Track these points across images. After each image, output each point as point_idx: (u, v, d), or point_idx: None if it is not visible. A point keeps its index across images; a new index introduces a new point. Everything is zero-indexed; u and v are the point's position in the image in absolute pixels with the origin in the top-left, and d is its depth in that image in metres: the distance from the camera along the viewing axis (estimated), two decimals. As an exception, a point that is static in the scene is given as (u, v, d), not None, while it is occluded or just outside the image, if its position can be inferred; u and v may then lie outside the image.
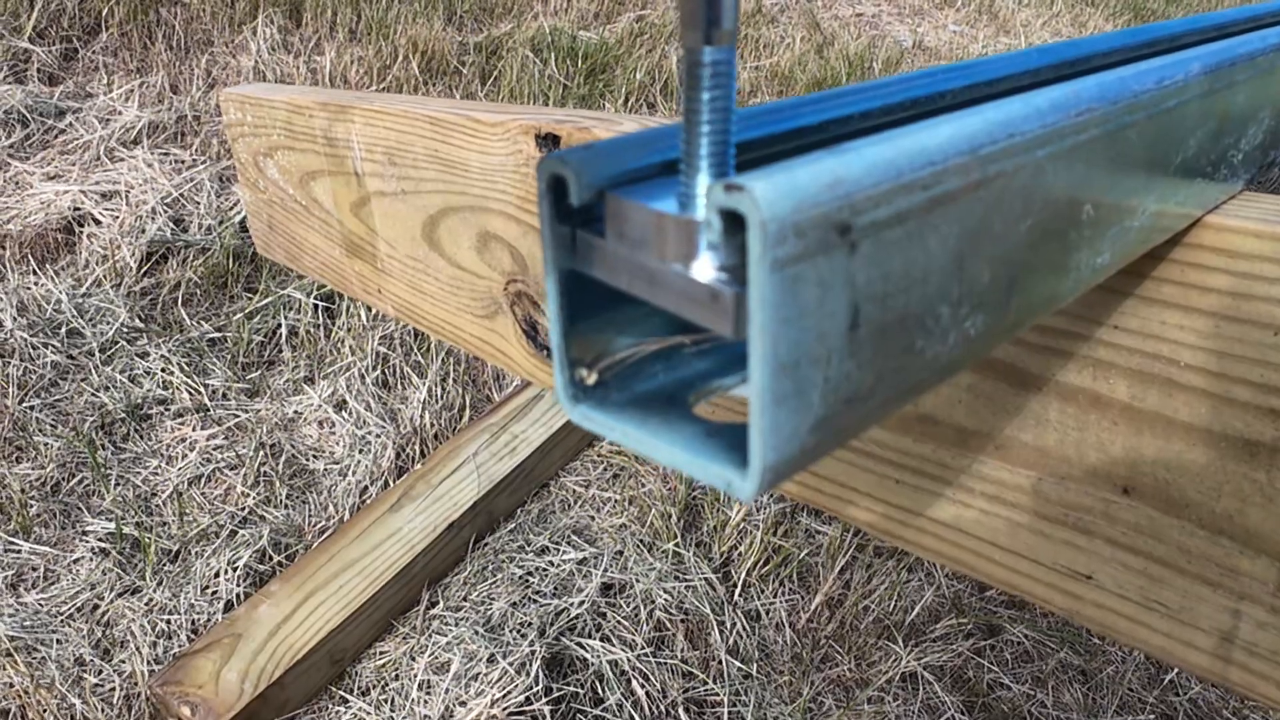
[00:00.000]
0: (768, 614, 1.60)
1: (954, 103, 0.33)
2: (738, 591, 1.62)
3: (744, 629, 1.57)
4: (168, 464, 1.75)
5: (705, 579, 1.61)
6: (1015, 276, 0.27)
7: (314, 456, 1.81)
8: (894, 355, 0.23)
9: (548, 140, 0.68)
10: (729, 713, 1.46)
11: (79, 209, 2.15)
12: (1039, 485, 0.48)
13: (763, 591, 1.63)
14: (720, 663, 1.52)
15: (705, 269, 0.21)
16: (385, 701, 1.43)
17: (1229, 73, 0.38)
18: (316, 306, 2.06)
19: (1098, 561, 0.47)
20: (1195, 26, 0.49)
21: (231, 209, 2.22)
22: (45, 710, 1.36)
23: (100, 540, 1.60)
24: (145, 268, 2.07)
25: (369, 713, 1.41)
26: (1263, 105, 0.43)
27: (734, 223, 0.19)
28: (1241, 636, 0.44)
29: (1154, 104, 0.32)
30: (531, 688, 1.42)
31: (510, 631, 1.50)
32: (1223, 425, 0.41)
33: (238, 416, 1.85)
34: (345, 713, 1.42)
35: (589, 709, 1.43)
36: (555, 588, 1.59)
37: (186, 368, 1.90)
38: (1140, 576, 0.46)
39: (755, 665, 1.52)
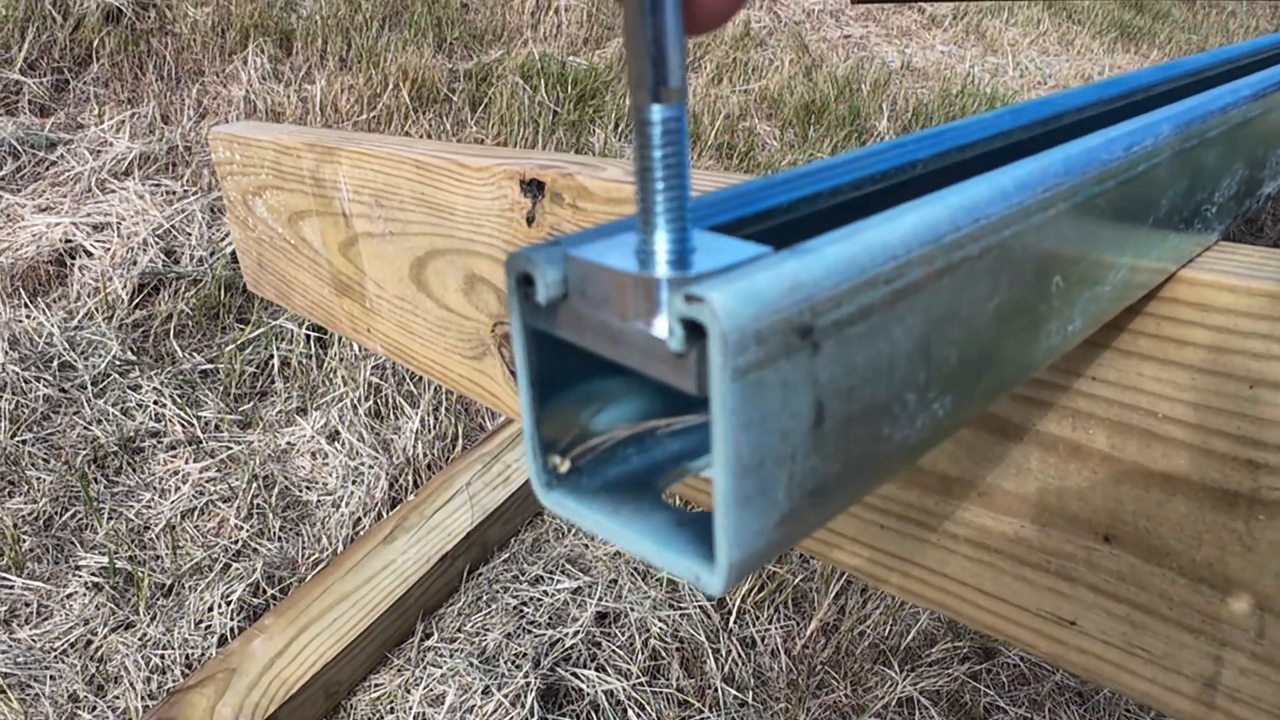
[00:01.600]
0: (763, 641, 1.60)
1: (924, 172, 0.33)
2: (733, 619, 1.62)
3: (739, 656, 1.56)
4: (160, 497, 1.75)
5: (700, 607, 1.61)
6: (984, 355, 0.27)
7: (307, 488, 1.81)
8: (861, 445, 0.23)
9: (532, 186, 0.69)
10: (725, 741, 1.45)
11: (70, 241, 2.15)
12: (1021, 532, 0.48)
13: (758, 618, 1.62)
14: (716, 690, 1.52)
15: (666, 326, 0.21)
16: (380, 735, 1.43)
17: (1200, 129, 0.39)
18: (308, 337, 2.06)
19: (1081, 608, 0.47)
20: (1169, 75, 0.50)
21: (223, 240, 2.22)
22: (38, 749, 1.35)
23: (93, 575, 1.60)
24: (137, 300, 2.08)
25: (364, 746, 1.41)
26: (1236, 157, 0.44)
27: (696, 330, 0.19)
28: (1224, 682, 0.44)
29: (1123, 171, 0.32)
30: (527, 719, 1.41)
31: (505, 662, 1.50)
32: (1201, 476, 0.42)
33: (230, 448, 1.85)
34: (340, 747, 1.42)
35: (585, 740, 1.43)
36: (550, 617, 1.59)
37: (179, 400, 1.90)
38: (1123, 623, 0.46)
39: (751, 693, 1.52)
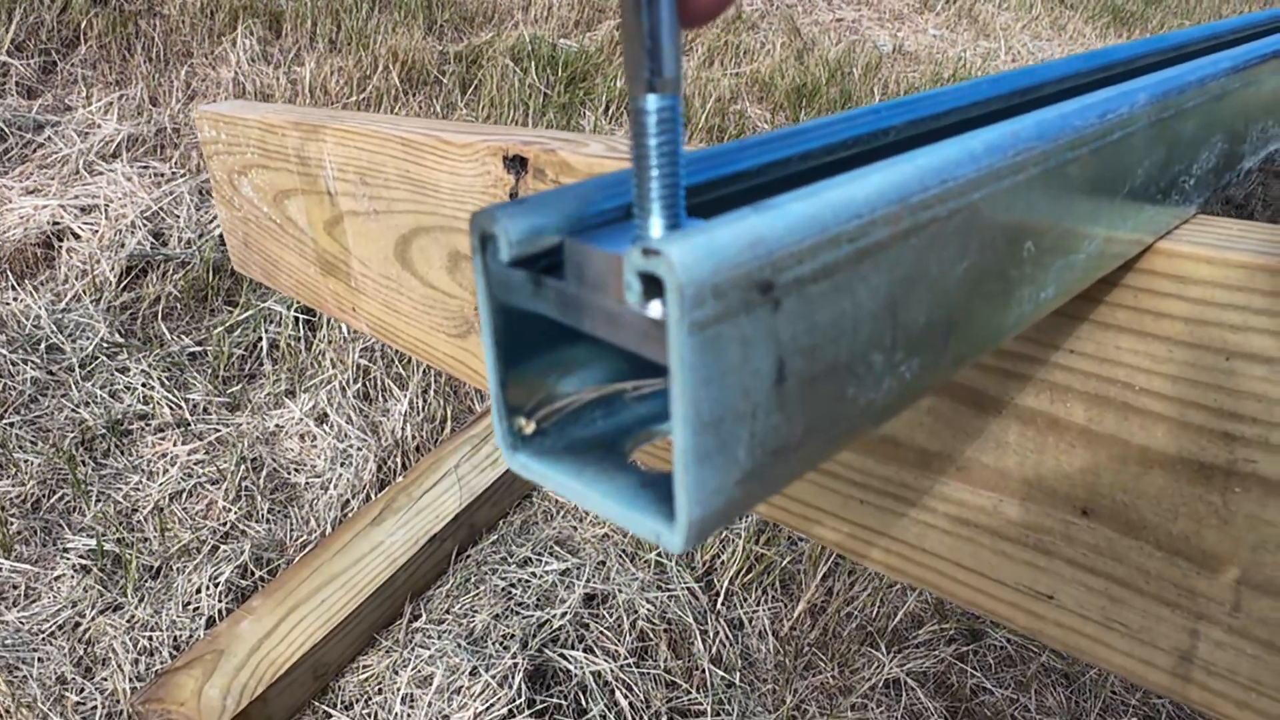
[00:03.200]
0: (750, 622, 1.60)
1: (897, 139, 0.33)
2: (720, 600, 1.62)
3: (727, 638, 1.57)
4: (149, 479, 1.74)
5: (688, 588, 1.62)
6: (953, 319, 0.27)
7: (295, 470, 1.80)
8: (824, 405, 0.23)
9: (515, 162, 0.68)
10: (713, 722, 1.46)
11: (58, 223, 2.14)
12: (1000, 506, 0.48)
13: (745, 600, 1.63)
14: (704, 672, 1.52)
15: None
16: (368, 716, 1.43)
17: (1178, 100, 0.39)
18: (297, 319, 2.05)
19: (1059, 582, 0.48)
20: (1153, 49, 0.50)
21: (211, 222, 2.21)
22: (26, 730, 1.35)
23: (81, 557, 1.59)
24: (125, 282, 2.07)
25: (352, 727, 1.41)
26: (1215, 130, 0.44)
27: (654, 284, 0.19)
28: (1200, 655, 0.44)
29: (1097, 138, 0.32)
30: (514, 700, 1.42)
31: (493, 644, 1.50)
32: (1178, 449, 0.42)
33: (219, 431, 1.84)
34: (328, 728, 1.42)
35: (573, 720, 1.43)
36: (538, 599, 1.59)
37: (167, 382, 1.90)
38: (1101, 597, 0.46)
39: (738, 674, 1.52)
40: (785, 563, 1.68)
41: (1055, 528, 0.47)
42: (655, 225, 0.22)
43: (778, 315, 0.20)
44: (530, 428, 0.26)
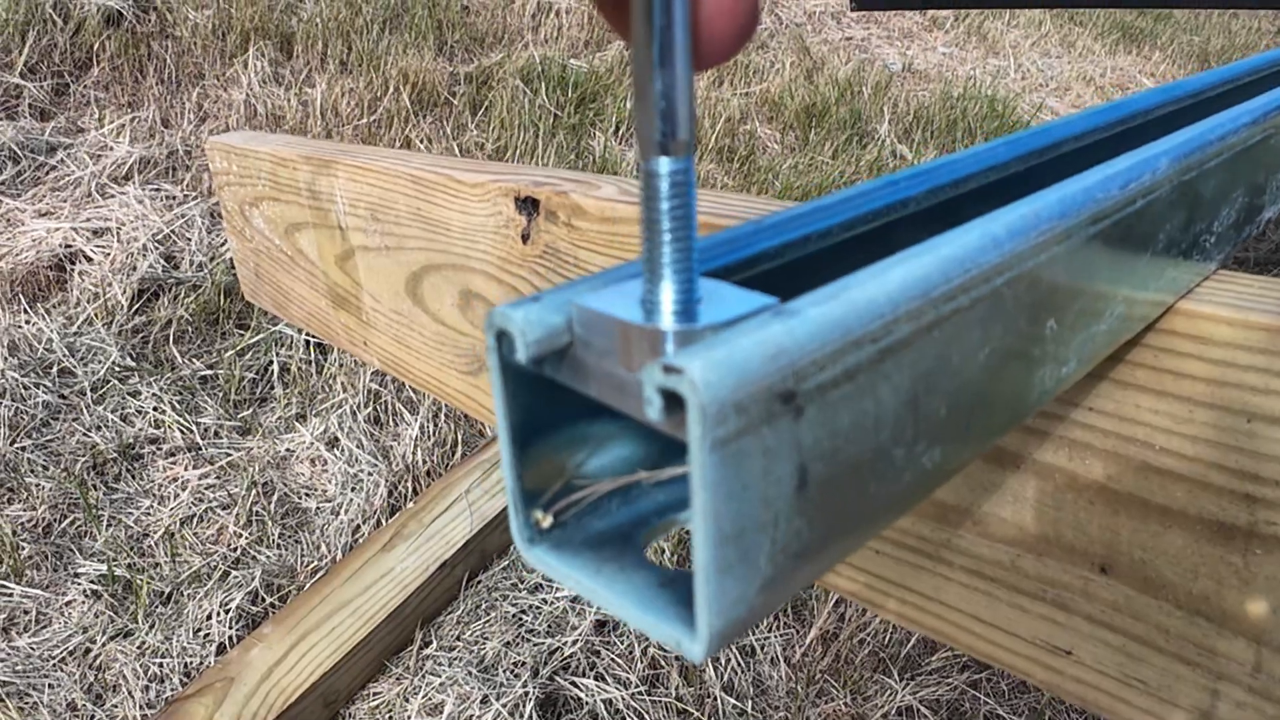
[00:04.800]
0: (762, 649, 1.59)
1: (916, 210, 0.33)
2: (732, 627, 1.61)
3: (739, 665, 1.56)
4: (160, 504, 1.75)
5: (699, 615, 1.61)
6: (974, 405, 0.26)
7: (306, 495, 1.80)
8: (846, 505, 0.22)
9: (527, 203, 0.68)
10: (724, 751, 1.45)
11: (70, 246, 2.15)
12: (1017, 561, 0.48)
13: (757, 627, 1.62)
14: (715, 699, 1.51)
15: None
16: (379, 744, 1.43)
17: (1199, 160, 0.38)
18: (308, 343, 2.06)
19: (1077, 638, 0.47)
20: (1169, 97, 0.49)
21: (223, 245, 2.22)
22: (36, 758, 1.35)
23: (92, 582, 1.59)
24: (136, 305, 2.07)
25: (362, 756, 1.41)
26: (1236, 185, 0.43)
27: (675, 399, 0.19)
28: (1220, 715, 0.44)
29: (1120, 209, 0.32)
30: (525, 729, 1.41)
31: (504, 671, 1.50)
32: (1198, 509, 0.41)
33: (230, 455, 1.85)
34: (338, 756, 1.42)
35: (583, 749, 1.43)
36: (549, 626, 1.58)
37: (178, 406, 1.90)
38: (1119, 654, 0.46)
39: (750, 701, 1.52)
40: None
41: (1073, 584, 0.46)
42: (666, 290, 0.22)
43: (800, 424, 0.20)
44: (548, 521, 0.25)
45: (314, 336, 2.06)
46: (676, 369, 0.18)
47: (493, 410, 0.78)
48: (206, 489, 1.78)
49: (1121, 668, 0.46)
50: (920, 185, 0.33)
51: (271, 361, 2.03)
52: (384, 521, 1.75)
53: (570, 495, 0.26)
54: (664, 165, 0.21)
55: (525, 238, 0.69)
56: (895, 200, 0.32)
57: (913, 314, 0.23)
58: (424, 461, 1.86)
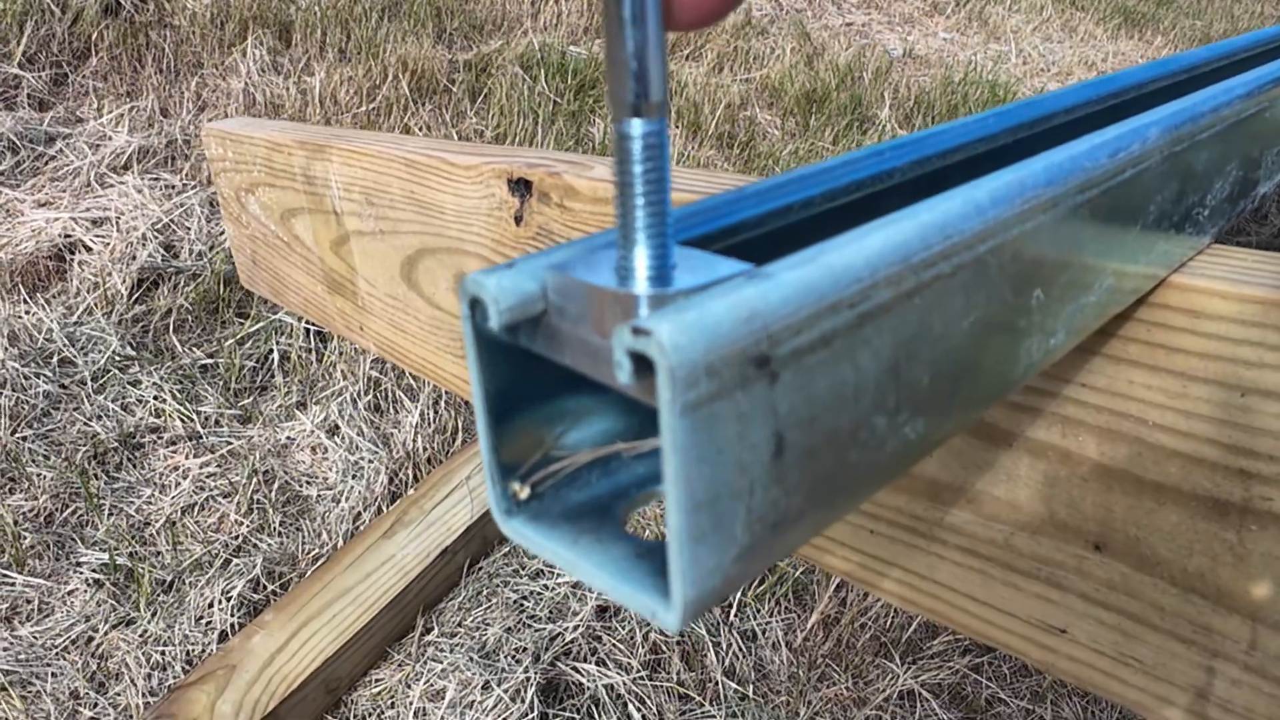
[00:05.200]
0: (764, 634, 1.59)
1: (902, 181, 0.32)
2: (733, 612, 1.61)
3: (740, 649, 1.56)
4: (161, 493, 1.75)
5: (700, 600, 1.61)
6: (958, 375, 0.26)
7: (307, 483, 1.80)
8: (825, 474, 0.22)
9: (520, 185, 0.68)
10: (726, 735, 1.45)
11: (70, 236, 2.14)
12: (1011, 539, 0.47)
13: (759, 611, 1.62)
14: (717, 684, 1.51)
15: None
16: (381, 730, 1.43)
17: (1191, 132, 0.38)
18: (308, 331, 2.05)
19: (1072, 616, 0.47)
20: (1163, 72, 0.49)
21: (222, 234, 2.21)
22: (39, 746, 1.35)
23: (94, 571, 1.59)
24: (136, 295, 2.07)
25: (364, 742, 1.41)
26: (1229, 159, 0.43)
27: (645, 363, 0.18)
28: (1216, 693, 0.44)
29: (1108, 178, 0.32)
30: (527, 714, 1.41)
31: (505, 657, 1.50)
32: (1192, 485, 0.41)
33: (230, 443, 1.85)
34: (340, 743, 1.42)
35: (585, 734, 1.43)
36: (550, 612, 1.58)
37: (179, 395, 1.90)
38: (1114, 632, 0.45)
39: (752, 686, 1.52)
40: (798, 574, 1.67)
41: (1067, 561, 0.46)
42: (640, 256, 0.21)
43: (775, 389, 0.20)
44: (525, 492, 0.25)
45: (312, 323, 2.06)
46: (645, 331, 0.18)
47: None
48: (207, 477, 1.78)
49: (1117, 646, 0.46)
50: (906, 156, 0.33)
51: (271, 350, 2.03)
52: (385, 509, 1.75)
53: (548, 467, 0.25)
54: (636, 127, 0.21)
55: (518, 219, 0.69)
56: (880, 170, 0.31)
57: (892, 279, 0.22)
58: (424, 448, 1.86)
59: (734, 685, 1.51)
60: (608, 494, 0.26)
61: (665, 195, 0.21)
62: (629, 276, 0.21)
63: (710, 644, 1.55)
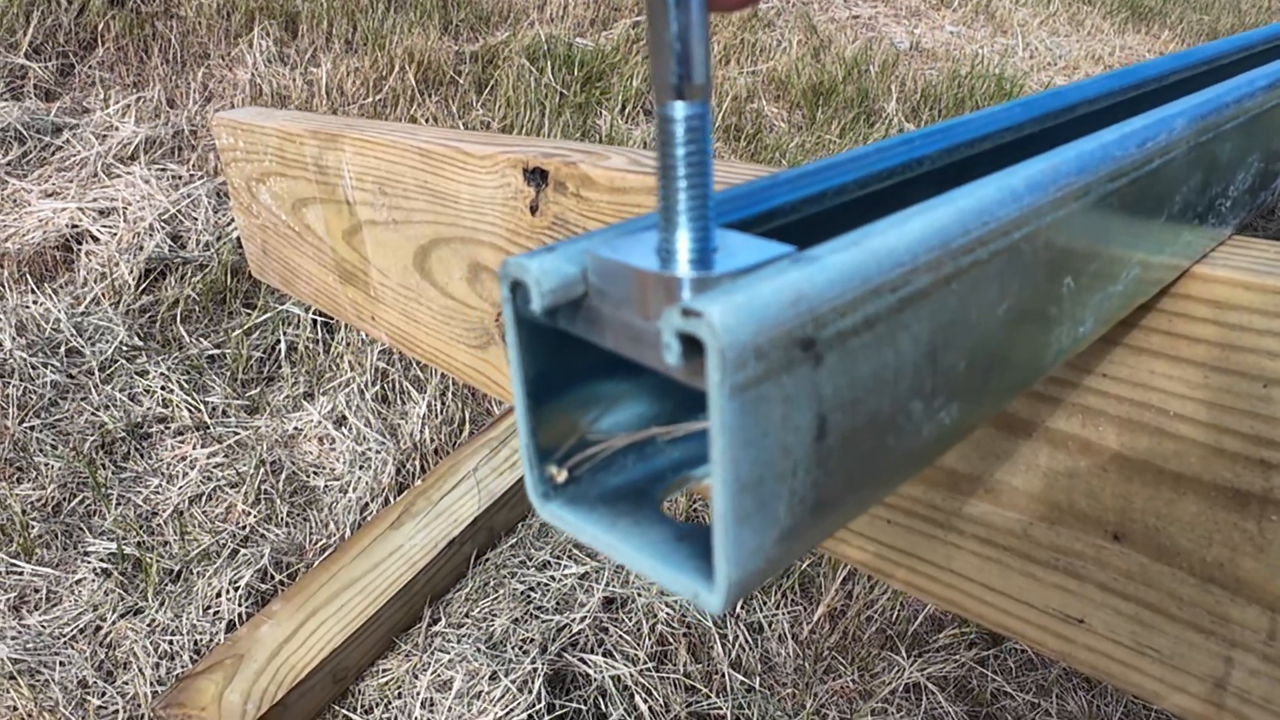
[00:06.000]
0: (770, 626, 1.60)
1: (931, 169, 0.32)
2: (740, 604, 1.62)
3: (747, 641, 1.56)
4: (168, 483, 1.75)
5: (707, 592, 1.61)
6: (992, 361, 0.26)
7: (314, 473, 1.81)
8: (864, 457, 0.22)
9: (535, 174, 0.68)
10: (732, 727, 1.45)
11: (77, 226, 2.15)
12: (1029, 529, 0.48)
13: (765, 604, 1.62)
14: (723, 676, 1.52)
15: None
16: (388, 720, 1.43)
17: (1215, 123, 0.38)
18: (315, 322, 2.06)
19: (1089, 606, 0.47)
20: (1183, 63, 0.49)
21: (229, 224, 2.22)
22: (48, 734, 1.36)
23: (102, 561, 1.60)
24: (144, 285, 2.07)
25: (372, 732, 1.41)
26: (1251, 150, 0.43)
27: (693, 344, 0.19)
28: (1234, 683, 0.44)
29: (1137, 167, 0.32)
30: (534, 705, 1.41)
31: (512, 648, 1.50)
32: (1212, 475, 0.41)
33: (238, 434, 1.85)
34: (348, 732, 1.42)
35: (592, 725, 1.43)
36: (557, 603, 1.59)
37: (186, 385, 1.90)
38: (1132, 622, 0.46)
39: (758, 678, 1.52)
40: (805, 566, 1.67)
41: (1086, 551, 0.46)
42: (682, 238, 0.21)
43: (819, 372, 0.20)
44: (562, 476, 0.25)
45: (322, 314, 2.06)
46: (696, 312, 0.18)
47: (501, 384, 0.78)
48: (215, 468, 1.78)
49: (1134, 636, 0.46)
50: (935, 144, 0.33)
51: (279, 340, 2.03)
52: (392, 499, 1.75)
53: (584, 451, 0.26)
54: (679, 110, 0.21)
55: (534, 209, 0.69)
56: (910, 159, 0.32)
57: (931, 264, 0.23)
58: (432, 439, 1.86)
59: (740, 677, 1.51)
60: (644, 478, 0.26)
61: (707, 178, 0.21)
62: (671, 259, 0.21)
63: (717, 636, 1.55)
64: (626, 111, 2.92)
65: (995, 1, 4.59)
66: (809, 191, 0.28)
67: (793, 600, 1.64)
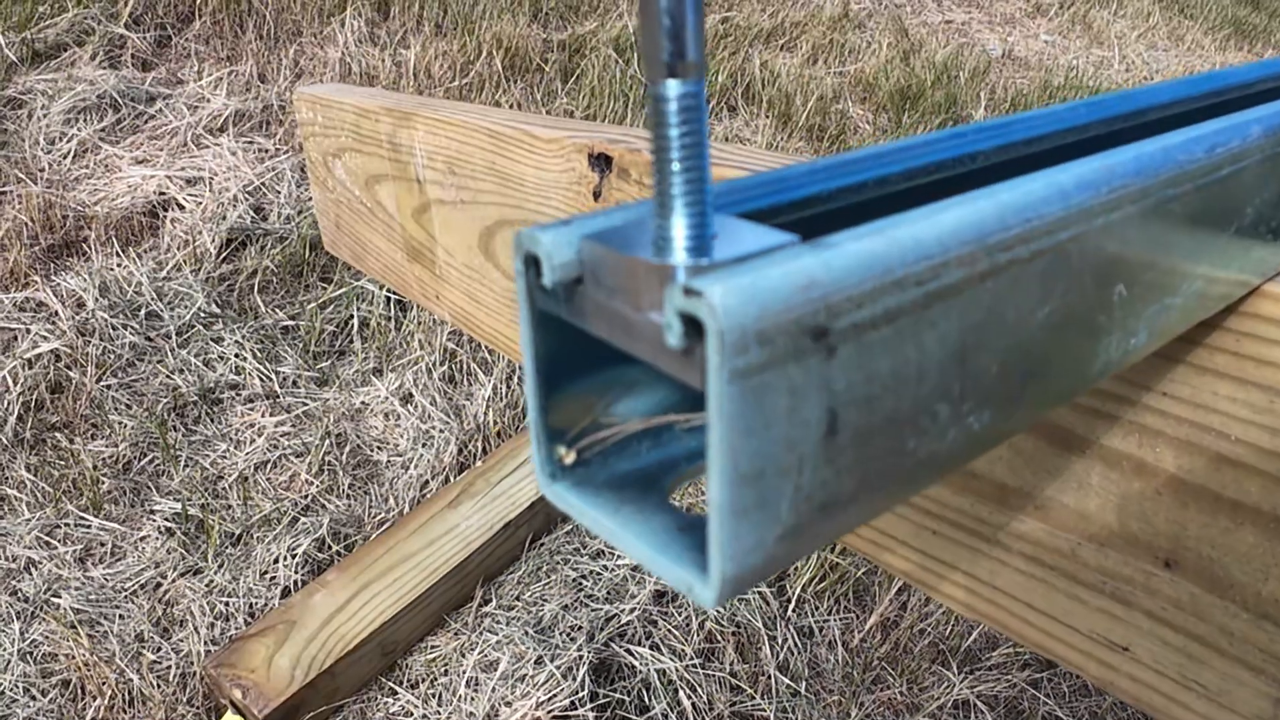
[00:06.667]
0: (820, 631, 1.58)
1: (985, 165, 0.31)
2: (791, 607, 1.60)
3: (795, 645, 1.55)
4: (236, 448, 1.78)
5: (759, 592, 1.60)
6: (1030, 368, 0.25)
7: (378, 448, 1.83)
8: (881, 458, 0.21)
9: (600, 160, 0.67)
10: (775, 730, 1.44)
11: (164, 194, 2.20)
12: (1078, 550, 0.46)
13: (817, 609, 1.60)
14: (769, 678, 1.50)
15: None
16: (433, 696, 1.44)
17: (1297, 133, 0.36)
18: (388, 299, 2.08)
19: (1136, 634, 0.45)
20: (1270, 72, 0.47)
21: (310, 200, 2.25)
22: (104, 684, 1.39)
23: (166, 520, 1.64)
24: (224, 254, 2.12)
25: (416, 706, 1.43)
26: (1336, 165, 0.40)
27: (696, 326, 0.18)
28: (1285, 725, 0.42)
29: (1203, 174, 0.30)
30: (577, 693, 1.42)
31: (560, 634, 1.50)
32: (1273, 505, 0.39)
33: (306, 405, 1.88)
34: (393, 704, 1.44)
35: (634, 716, 1.43)
36: (608, 592, 1.58)
37: (259, 354, 1.94)
38: (1179, 654, 0.44)
39: (805, 683, 1.50)
40: (860, 574, 1.65)
41: (1135, 577, 0.44)
42: (678, 225, 0.20)
43: (831, 364, 0.19)
44: (571, 457, 0.25)
45: (391, 291, 2.08)
46: (697, 292, 0.17)
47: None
48: (282, 436, 1.81)
49: (1180, 669, 0.44)
50: (991, 140, 0.31)
51: (352, 315, 2.06)
52: (452, 479, 1.77)
53: (596, 434, 0.25)
54: (672, 89, 0.20)
55: (597, 195, 0.69)
56: (962, 153, 0.30)
57: (964, 259, 0.21)
58: (495, 422, 1.87)
59: (787, 681, 1.50)
60: (656, 466, 0.25)
61: (703, 162, 0.20)
62: (666, 247, 0.21)
63: (766, 637, 1.54)
64: (711, 108, 2.91)
65: (1093, 12, 4.48)
66: (849, 181, 0.27)
67: (845, 607, 1.62)
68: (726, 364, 0.17)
